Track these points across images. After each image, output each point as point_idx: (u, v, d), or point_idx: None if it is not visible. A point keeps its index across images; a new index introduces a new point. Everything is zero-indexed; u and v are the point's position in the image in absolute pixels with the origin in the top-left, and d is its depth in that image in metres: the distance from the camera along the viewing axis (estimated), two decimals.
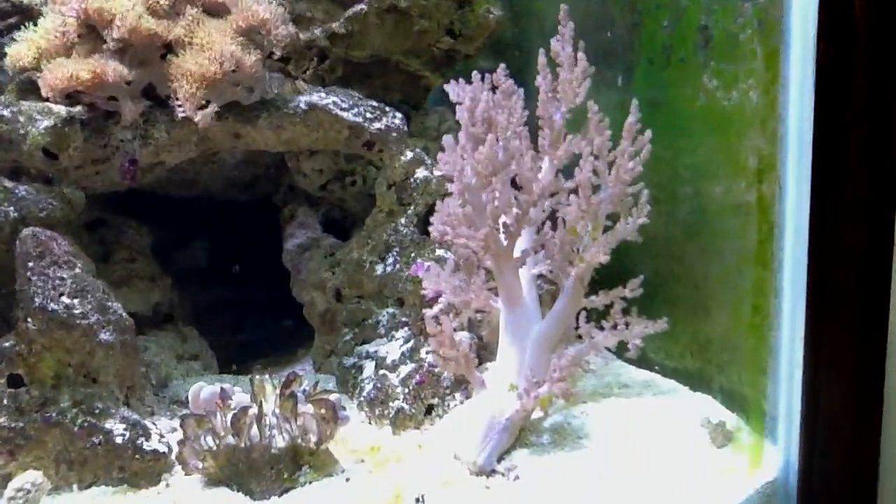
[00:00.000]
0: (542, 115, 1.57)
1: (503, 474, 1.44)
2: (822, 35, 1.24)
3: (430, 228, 1.59)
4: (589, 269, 1.53)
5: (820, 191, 1.28)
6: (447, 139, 1.60)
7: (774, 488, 1.40)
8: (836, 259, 1.30)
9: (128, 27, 1.65)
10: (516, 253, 1.55)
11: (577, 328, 1.58)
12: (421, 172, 1.96)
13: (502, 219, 1.51)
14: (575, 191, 1.56)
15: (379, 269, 1.98)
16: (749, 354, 1.56)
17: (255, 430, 1.49)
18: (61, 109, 1.72)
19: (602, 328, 1.56)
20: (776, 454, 1.42)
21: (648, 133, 1.52)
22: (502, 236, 1.51)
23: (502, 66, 1.62)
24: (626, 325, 1.56)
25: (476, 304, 1.61)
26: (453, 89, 1.62)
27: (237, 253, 2.85)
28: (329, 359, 2.12)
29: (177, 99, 1.69)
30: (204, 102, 1.70)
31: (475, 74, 1.61)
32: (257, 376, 1.60)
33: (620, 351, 1.69)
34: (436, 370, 1.73)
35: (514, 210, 1.51)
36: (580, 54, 1.58)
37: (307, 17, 2.10)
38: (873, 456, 1.39)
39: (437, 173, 1.96)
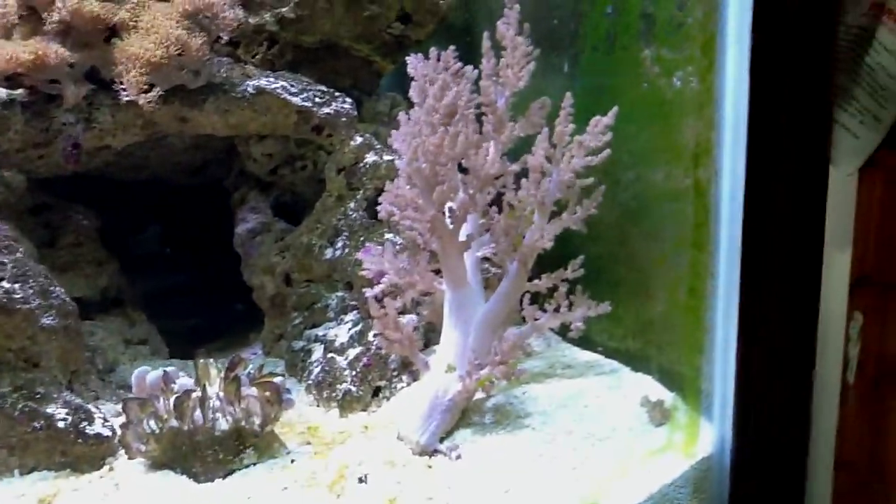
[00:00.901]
0: (484, 100, 1.59)
1: (445, 454, 1.46)
2: (756, 24, 1.28)
3: (379, 208, 1.60)
4: (532, 253, 1.55)
5: (753, 174, 1.32)
6: (402, 116, 1.60)
7: (710, 464, 1.44)
8: (768, 239, 1.35)
9: (70, 9, 1.63)
10: (461, 237, 1.56)
11: (520, 310, 1.61)
12: (370, 157, 1.97)
13: (448, 203, 1.52)
14: (521, 175, 1.58)
15: (328, 253, 1.99)
16: (686, 334, 1.60)
17: (198, 413, 1.49)
18: (1, 92, 1.69)
19: (545, 310, 1.59)
20: (711, 431, 1.47)
21: (609, 134, 1.54)
22: (448, 220, 1.53)
23: (452, 48, 1.63)
24: (569, 307, 1.59)
25: (421, 286, 1.63)
26: (413, 62, 1.62)
27: (188, 237, 2.84)
28: (279, 343, 2.12)
29: (121, 83, 1.67)
30: (148, 86, 1.68)
31: (432, 52, 1.61)
32: (201, 360, 1.59)
33: (564, 332, 1.72)
34: (383, 352, 1.75)
35: (461, 195, 1.53)
36: (522, 38, 1.59)
37: (257, 1, 2.08)
38: (804, 432, 1.45)
39: (386, 158, 1.97)
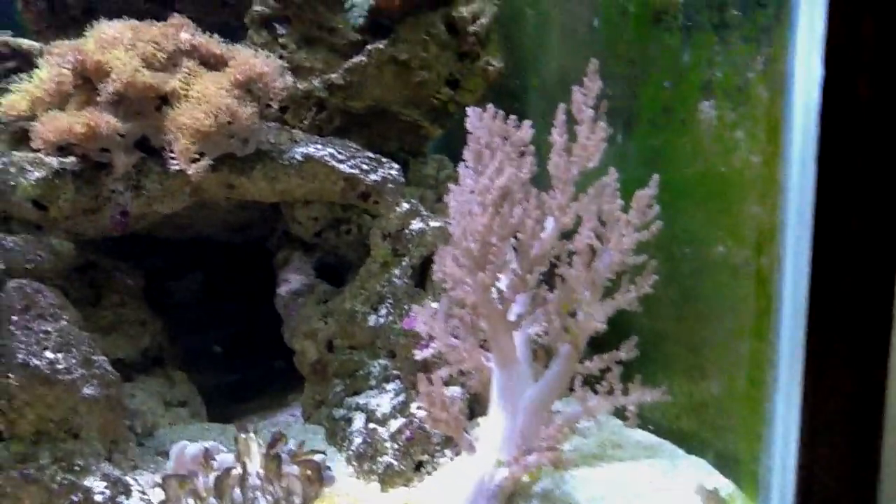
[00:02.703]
0: (554, 174, 1.54)
1: None
2: (824, 113, 1.23)
3: (434, 268, 1.57)
4: (585, 336, 1.50)
5: (819, 265, 1.26)
6: (462, 169, 1.57)
7: None
8: (834, 332, 1.28)
9: (124, 81, 1.64)
10: (511, 316, 1.52)
11: (570, 389, 1.55)
12: (416, 224, 1.94)
13: (498, 283, 1.48)
14: (574, 253, 1.54)
15: (371, 319, 1.95)
16: (744, 421, 1.53)
17: (237, 492, 1.46)
18: (53, 161, 1.70)
19: (596, 391, 1.53)
20: None
21: (656, 208, 1.50)
22: (497, 300, 1.49)
23: (525, 122, 1.58)
24: (623, 390, 1.54)
25: (468, 364, 1.58)
26: (473, 119, 1.58)
27: (228, 292, 2.84)
28: (319, 409, 2.08)
29: (171, 151, 1.67)
30: (198, 155, 1.68)
31: (490, 109, 1.57)
32: (242, 434, 1.56)
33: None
34: (426, 426, 1.70)
35: (512, 275, 1.49)
36: (597, 114, 1.55)
37: (306, 67, 2.09)
38: None
39: (432, 224, 1.94)
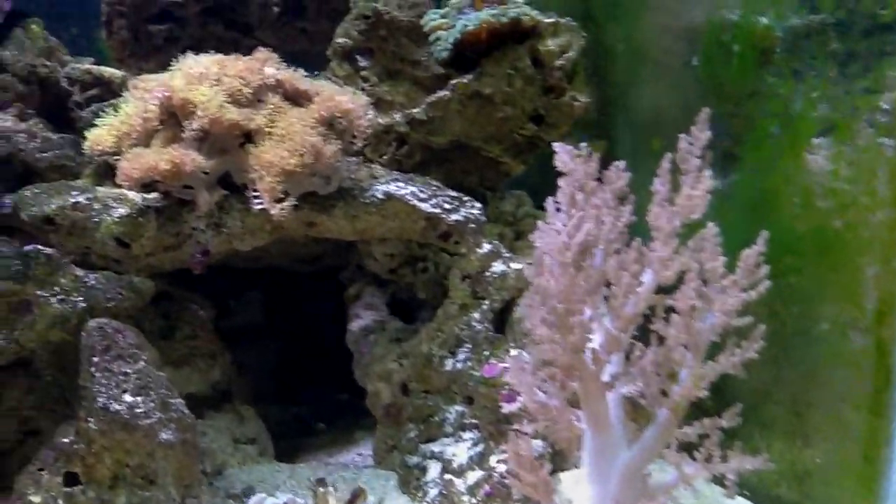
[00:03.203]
0: (655, 225, 1.45)
1: None
2: None
3: (518, 316, 1.48)
4: (685, 403, 1.41)
5: None
6: (551, 210, 1.48)
7: None
8: None
9: (209, 118, 1.61)
10: (605, 376, 1.44)
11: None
12: (498, 266, 1.87)
13: (589, 344, 1.40)
14: (672, 309, 1.44)
15: (449, 364, 1.88)
16: (853, 497, 1.42)
17: None
18: (136, 197, 1.68)
19: (694, 458, 1.44)
20: None
21: (765, 268, 1.40)
22: (589, 361, 1.41)
23: (618, 164, 1.49)
24: (721, 456, 1.43)
25: (558, 424, 1.50)
26: (563, 157, 1.49)
27: (295, 320, 2.80)
28: (391, 454, 2.02)
29: (254, 190, 1.64)
30: (282, 195, 1.64)
31: (583, 147, 1.48)
32: (320, 489, 1.51)
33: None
34: (506, 482, 1.62)
35: (605, 333, 1.41)
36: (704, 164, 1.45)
37: (387, 100, 2.05)
38: None
39: (514, 266, 1.87)
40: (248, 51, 2.55)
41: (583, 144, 1.49)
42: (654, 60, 2.01)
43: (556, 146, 1.50)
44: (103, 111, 2.27)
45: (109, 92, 2.42)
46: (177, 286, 2.19)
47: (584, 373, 1.41)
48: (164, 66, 2.40)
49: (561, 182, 1.51)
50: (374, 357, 2.10)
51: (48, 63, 2.10)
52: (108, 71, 2.43)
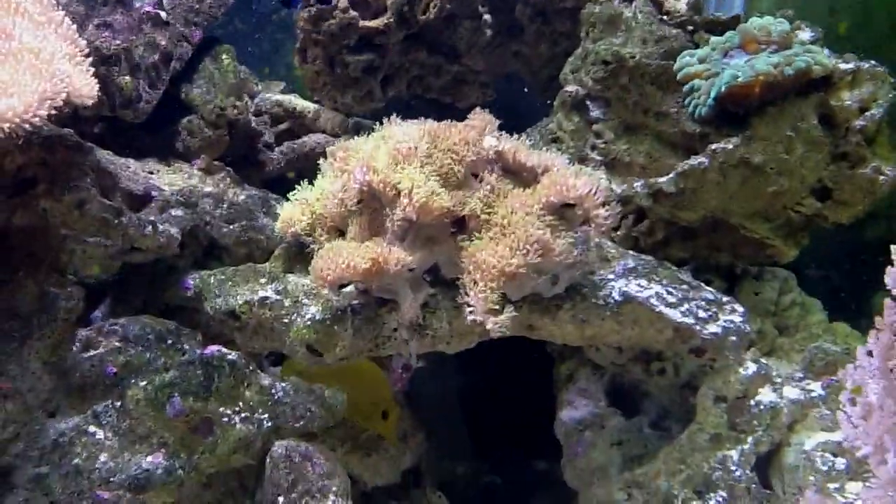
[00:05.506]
0: None
1: None
2: None
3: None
4: None
5: None
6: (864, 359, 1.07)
7: None
8: None
9: (417, 206, 1.31)
10: None
11: None
12: (767, 395, 1.46)
13: None
14: None
15: None
16: None
17: None
18: (331, 295, 1.41)
19: None
20: None
21: None
22: None
23: None
24: None
25: None
26: None
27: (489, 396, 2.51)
28: None
29: (467, 294, 1.33)
30: (497, 304, 1.32)
31: None
32: None
33: None
34: None
35: None
36: None
37: (624, 162, 1.66)
38: None
39: (789, 397, 1.45)
40: (452, 77, 2.27)
41: None
42: None
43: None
44: (293, 163, 2.06)
45: (301, 126, 2.21)
46: None
47: None
48: (360, 100, 2.16)
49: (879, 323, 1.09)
50: (590, 461, 1.76)
51: (238, 104, 1.89)
52: (301, 104, 2.21)
